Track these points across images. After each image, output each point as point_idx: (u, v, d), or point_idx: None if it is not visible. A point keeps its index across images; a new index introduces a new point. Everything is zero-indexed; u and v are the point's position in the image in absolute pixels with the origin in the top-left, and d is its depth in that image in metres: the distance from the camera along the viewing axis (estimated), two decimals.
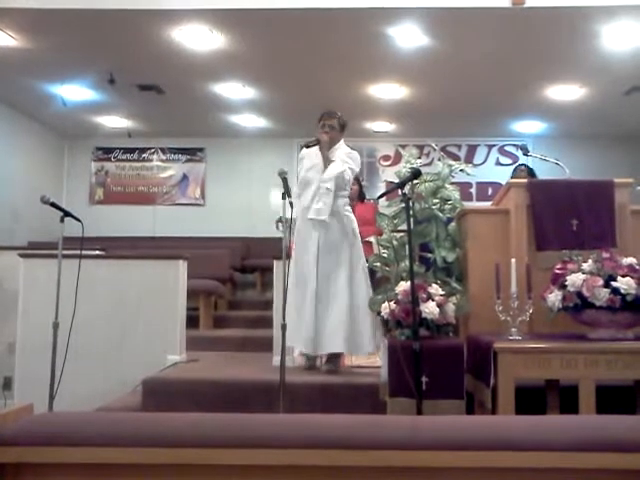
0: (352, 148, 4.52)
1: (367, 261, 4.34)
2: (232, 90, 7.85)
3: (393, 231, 4.05)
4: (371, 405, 3.62)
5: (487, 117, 8.98)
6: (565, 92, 7.79)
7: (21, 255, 5.07)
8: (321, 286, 4.24)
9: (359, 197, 5.98)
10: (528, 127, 9.48)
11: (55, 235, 4.04)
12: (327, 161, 4.32)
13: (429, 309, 3.23)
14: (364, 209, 5.67)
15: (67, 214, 3.88)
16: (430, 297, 3.28)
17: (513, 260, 3.26)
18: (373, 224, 4.99)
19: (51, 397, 3.67)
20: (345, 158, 4.37)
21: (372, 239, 4.50)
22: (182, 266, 5.05)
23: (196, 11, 5.77)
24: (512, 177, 5.54)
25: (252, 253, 9.02)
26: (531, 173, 5.60)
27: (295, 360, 4.55)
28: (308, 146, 4.39)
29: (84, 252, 4.09)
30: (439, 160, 4.30)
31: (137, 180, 10.35)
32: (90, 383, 4.60)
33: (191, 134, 9.92)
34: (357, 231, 4.42)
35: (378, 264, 4.02)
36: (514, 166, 6.11)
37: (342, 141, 4.46)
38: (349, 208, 4.45)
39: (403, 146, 9.74)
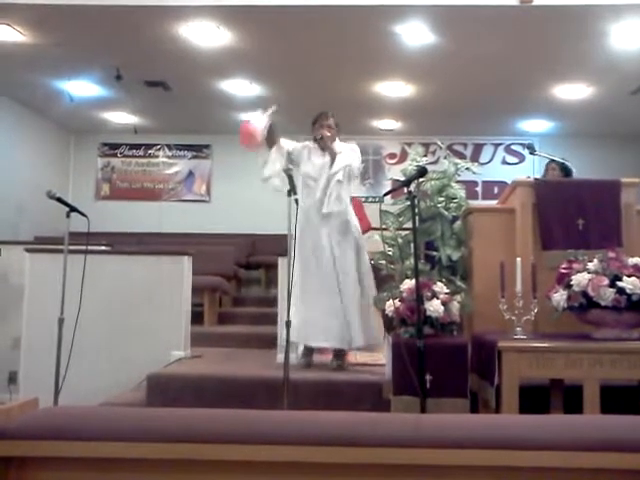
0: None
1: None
2: (239, 87, 7.85)
3: (398, 229, 4.05)
4: (375, 403, 3.62)
5: (493, 116, 8.95)
6: (572, 91, 7.76)
7: (27, 250, 5.08)
8: (331, 282, 4.26)
9: None
10: (535, 126, 9.45)
11: (61, 230, 4.04)
12: (333, 154, 4.34)
13: (434, 307, 3.23)
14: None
15: (73, 209, 3.89)
16: (435, 295, 3.29)
17: (518, 259, 3.25)
18: (361, 219, 4.99)
19: (56, 392, 3.67)
20: (349, 152, 4.42)
21: (377, 237, 4.51)
22: (187, 262, 5.06)
23: (203, 7, 5.77)
24: (543, 176, 5.32)
25: (257, 250, 9.03)
26: (565, 169, 5.15)
27: (299, 357, 4.55)
28: (315, 140, 4.40)
29: (90, 247, 4.09)
30: (445, 158, 4.30)
31: (143, 176, 10.36)
32: (95, 378, 4.62)
33: (197, 131, 9.92)
34: (359, 228, 4.47)
35: (383, 262, 4.03)
36: (545, 165, 5.56)
37: (337, 139, 4.50)
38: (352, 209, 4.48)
39: (409, 144, 9.72)
